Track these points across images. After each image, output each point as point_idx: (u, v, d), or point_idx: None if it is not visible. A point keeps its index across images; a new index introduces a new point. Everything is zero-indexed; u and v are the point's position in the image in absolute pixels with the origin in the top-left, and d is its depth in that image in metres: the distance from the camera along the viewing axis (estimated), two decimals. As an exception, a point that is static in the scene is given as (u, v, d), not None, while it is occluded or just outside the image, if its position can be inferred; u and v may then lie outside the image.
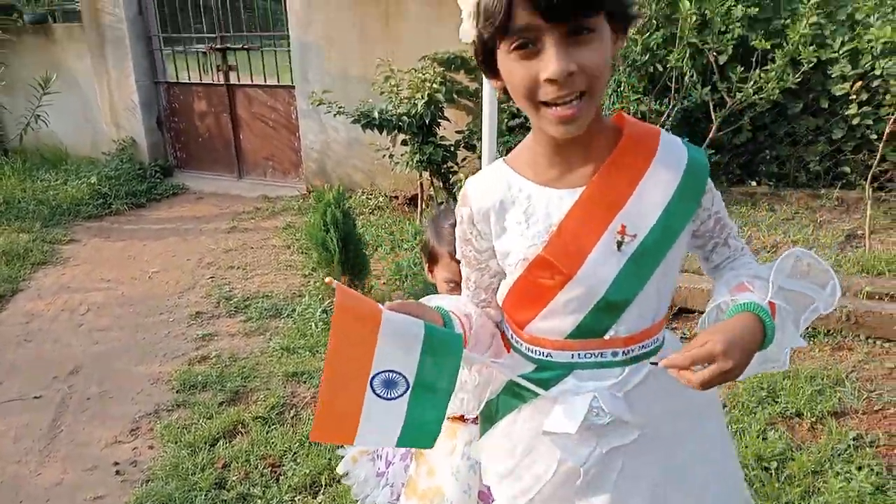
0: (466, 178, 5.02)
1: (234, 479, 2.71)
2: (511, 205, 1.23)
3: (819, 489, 2.39)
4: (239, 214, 6.22)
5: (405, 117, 4.98)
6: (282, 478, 2.69)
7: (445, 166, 5.18)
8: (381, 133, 5.10)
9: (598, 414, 1.21)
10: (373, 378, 1.13)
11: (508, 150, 4.50)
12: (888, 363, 3.09)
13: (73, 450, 3.05)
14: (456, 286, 1.64)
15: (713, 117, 4.36)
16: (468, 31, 1.14)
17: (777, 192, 4.65)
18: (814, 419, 2.76)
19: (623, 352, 1.23)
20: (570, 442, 1.22)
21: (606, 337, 1.22)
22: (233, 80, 7.04)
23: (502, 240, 1.25)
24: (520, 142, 4.75)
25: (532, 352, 1.28)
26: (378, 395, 1.14)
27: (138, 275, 5.01)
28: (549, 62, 1.04)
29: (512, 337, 1.34)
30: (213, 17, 6.89)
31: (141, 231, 5.98)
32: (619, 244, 1.16)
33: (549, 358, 1.26)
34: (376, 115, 5.02)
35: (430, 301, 1.30)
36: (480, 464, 1.48)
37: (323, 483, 2.63)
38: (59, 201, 6.42)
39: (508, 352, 1.37)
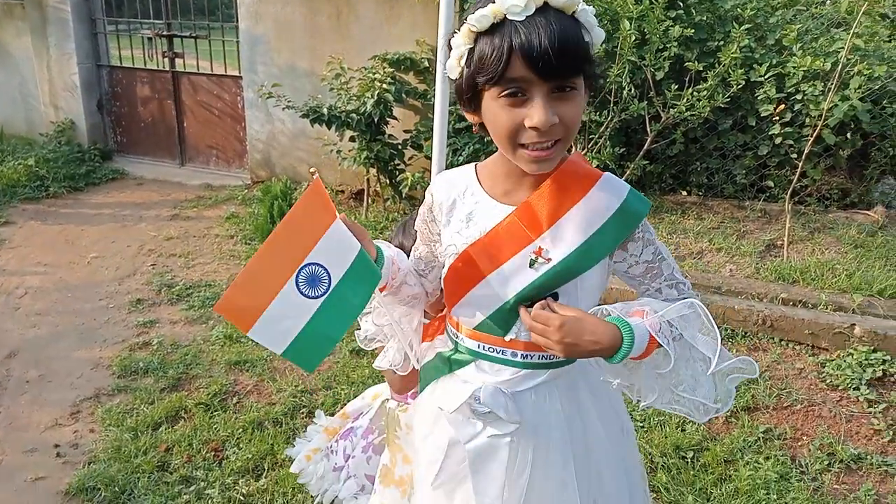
0: (413, 175, 5.15)
1: (176, 462, 2.76)
2: (461, 205, 1.39)
3: (730, 476, 2.61)
4: (181, 202, 6.18)
5: (354, 114, 5.06)
6: (225, 461, 2.76)
7: (393, 164, 5.29)
8: (329, 128, 5.17)
9: (477, 402, 1.36)
10: (303, 267, 1.24)
11: (454, 152, 4.59)
12: (798, 364, 3.35)
13: (11, 432, 3.04)
14: None
15: (649, 129, 4.59)
16: (454, 69, 1.25)
17: (705, 203, 4.92)
18: (728, 413, 2.98)
19: (522, 355, 1.37)
20: (459, 420, 1.38)
21: (507, 338, 1.37)
22: (178, 66, 6.98)
23: (445, 231, 1.41)
24: (466, 144, 4.87)
25: (452, 334, 1.47)
26: (298, 289, 1.24)
27: (77, 260, 4.95)
28: (536, 112, 1.16)
29: (446, 316, 1.52)
30: (160, 2, 6.81)
31: (79, 215, 5.89)
32: (532, 262, 1.31)
33: (462, 342, 1.43)
34: (325, 111, 5.09)
35: (378, 244, 1.43)
36: None
37: (266, 467, 2.71)
38: (-7, 182, 6.27)
39: (435, 330, 1.58)
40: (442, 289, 1.50)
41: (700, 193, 5.08)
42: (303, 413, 3.05)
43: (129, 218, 5.81)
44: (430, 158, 5.21)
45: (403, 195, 5.30)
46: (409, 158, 5.39)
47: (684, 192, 5.09)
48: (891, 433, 2.86)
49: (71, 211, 6.00)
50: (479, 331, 1.39)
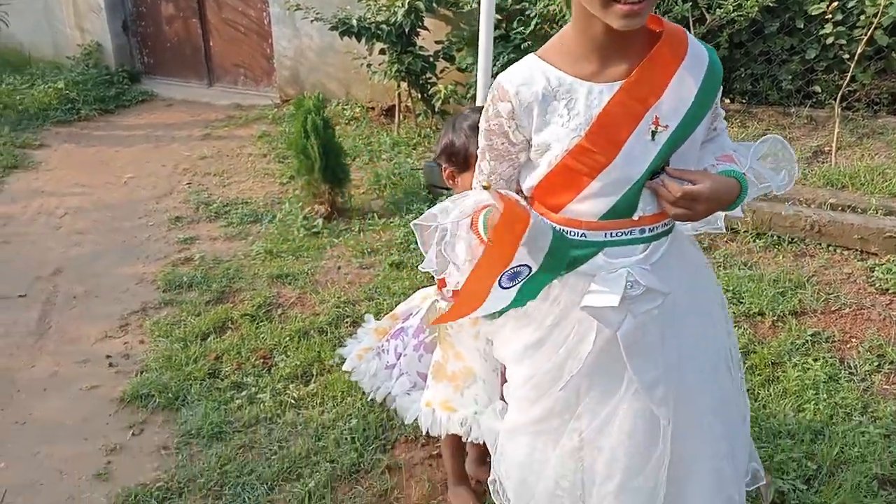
0: (445, 88, 5.01)
1: (227, 369, 2.81)
2: (553, 98, 1.32)
3: (778, 378, 2.59)
4: (212, 122, 6.15)
5: (384, 25, 4.93)
6: (273, 368, 2.80)
7: (424, 77, 5.16)
8: (359, 41, 5.04)
9: (632, 286, 1.33)
10: (503, 274, 1.31)
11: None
12: (846, 269, 3.28)
13: (63, 345, 3.11)
14: None
15: (693, 33, 4.39)
16: None
17: (749, 110, 4.75)
18: (775, 318, 2.94)
19: (649, 229, 1.37)
20: (604, 313, 1.34)
21: (635, 217, 1.36)
22: (202, -17, 6.84)
23: (543, 132, 1.33)
24: (500, 53, 4.69)
25: (567, 232, 1.38)
26: (500, 286, 1.34)
27: (113, 180, 4.98)
28: None
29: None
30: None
31: (111, 137, 5.89)
32: (654, 134, 1.29)
33: (582, 237, 1.38)
34: (354, 22, 4.95)
35: (467, 198, 1.38)
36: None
37: (314, 373, 2.75)
38: (25, 106, 6.27)
39: None
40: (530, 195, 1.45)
41: (744, 101, 4.90)
42: (347, 322, 3.08)
43: (161, 139, 5.80)
44: (462, 71, 5.10)
45: (436, 109, 5.19)
46: (441, 71, 5.26)
47: (727, 100, 4.91)
48: (943, 336, 2.81)
49: (103, 133, 6.00)
50: (607, 219, 1.35)
